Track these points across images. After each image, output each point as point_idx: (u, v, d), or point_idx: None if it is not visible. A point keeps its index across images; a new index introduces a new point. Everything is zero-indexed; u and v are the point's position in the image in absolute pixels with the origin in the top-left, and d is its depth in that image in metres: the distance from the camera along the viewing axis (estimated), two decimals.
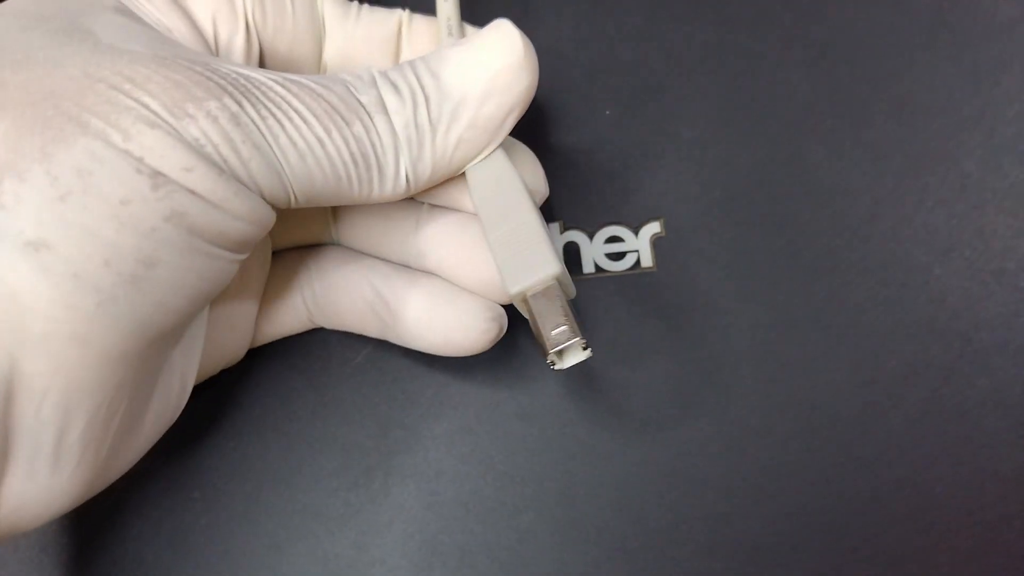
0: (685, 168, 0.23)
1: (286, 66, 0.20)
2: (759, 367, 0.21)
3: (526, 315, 0.17)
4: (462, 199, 0.19)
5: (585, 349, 0.16)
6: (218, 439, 0.21)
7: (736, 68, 0.23)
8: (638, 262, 0.22)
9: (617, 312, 0.22)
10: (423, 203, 0.20)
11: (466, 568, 0.20)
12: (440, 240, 0.19)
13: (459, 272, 0.19)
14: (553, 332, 0.16)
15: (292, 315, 0.21)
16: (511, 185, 0.18)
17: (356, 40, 0.20)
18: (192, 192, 0.14)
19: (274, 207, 0.16)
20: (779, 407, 0.21)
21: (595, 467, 0.21)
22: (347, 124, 0.16)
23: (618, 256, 0.22)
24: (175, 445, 0.21)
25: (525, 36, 0.17)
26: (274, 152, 0.15)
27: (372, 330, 0.21)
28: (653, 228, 0.23)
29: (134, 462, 0.17)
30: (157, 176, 0.14)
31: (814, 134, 0.23)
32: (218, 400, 0.21)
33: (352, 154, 0.16)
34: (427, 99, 0.17)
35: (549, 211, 0.21)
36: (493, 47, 0.17)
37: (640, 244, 0.22)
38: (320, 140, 0.16)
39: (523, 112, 0.18)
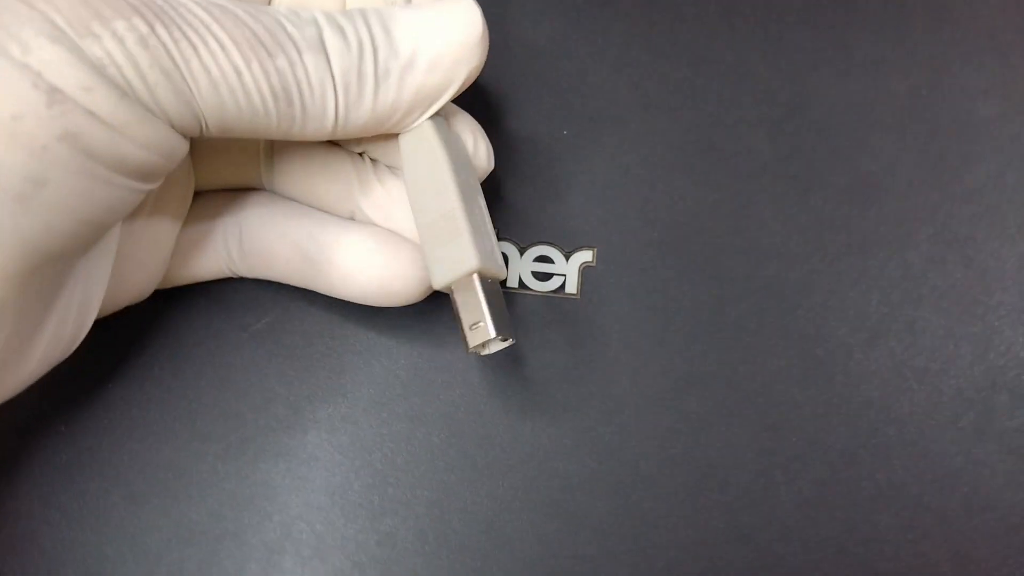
0: (629, 203, 0.22)
1: None
2: (661, 415, 0.21)
3: (453, 304, 0.17)
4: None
5: (504, 340, 0.17)
6: (99, 379, 0.21)
7: (701, 113, 0.23)
8: (563, 286, 0.22)
9: (530, 333, 0.21)
10: (367, 158, 0.19)
11: (316, 560, 0.19)
12: (390, 207, 0.19)
13: (405, 233, 0.19)
14: (470, 328, 0.17)
15: (210, 259, 0.21)
16: (439, 168, 0.17)
17: None
18: (91, 113, 0.14)
19: (185, 136, 0.16)
20: (673, 459, 0.21)
21: (473, 484, 0.20)
22: (270, 56, 0.15)
23: (544, 276, 0.22)
24: (52, 375, 0.20)
25: (483, 18, 0.17)
26: (184, 78, 0.15)
27: (298, 278, 0.20)
28: (584, 256, 0.22)
29: (21, 388, 0.17)
30: (54, 93, 0.14)
31: (764, 193, 0.22)
32: (109, 341, 0.21)
33: (272, 87, 0.15)
34: (375, 50, 0.16)
35: None
36: (453, 19, 0.17)
37: (569, 269, 0.22)
38: (237, 69, 0.15)
39: (466, 87, 0.17)
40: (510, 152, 0.23)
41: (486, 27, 0.17)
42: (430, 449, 0.20)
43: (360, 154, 0.19)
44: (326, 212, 0.20)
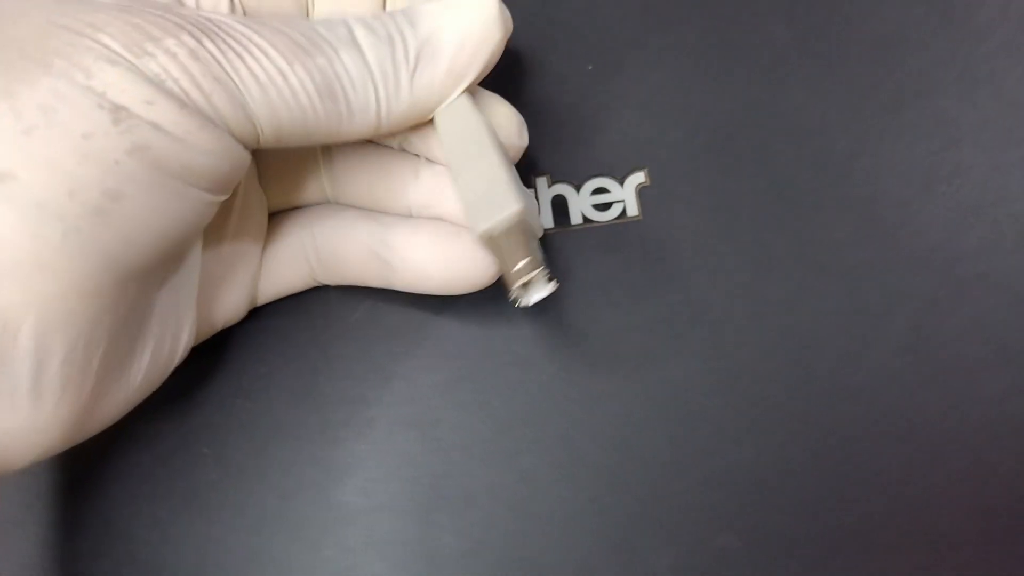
0: (667, 117, 0.23)
1: None
2: (747, 305, 0.22)
3: (495, 255, 0.18)
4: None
5: (549, 282, 0.17)
6: (225, 397, 0.22)
7: (713, 17, 0.24)
8: (624, 211, 0.23)
9: (607, 260, 0.22)
10: (411, 154, 0.20)
11: (470, 509, 0.21)
12: (442, 190, 0.20)
13: (462, 219, 0.20)
14: (516, 267, 0.17)
15: (295, 272, 0.22)
16: (476, 128, 0.18)
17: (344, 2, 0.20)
18: (155, 125, 0.15)
19: (244, 145, 0.17)
20: (768, 342, 0.22)
21: (592, 408, 0.21)
22: (309, 56, 0.16)
23: (604, 207, 0.23)
24: (184, 405, 0.22)
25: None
26: (236, 84, 0.16)
27: (374, 279, 0.21)
28: (638, 178, 0.23)
29: (125, 411, 0.18)
30: (119, 111, 0.14)
31: (792, 77, 0.23)
32: (224, 359, 0.22)
33: (316, 85, 0.16)
34: (404, 40, 0.18)
35: (536, 165, 0.22)
36: (471, 4, 0.18)
37: (626, 194, 0.23)
38: (282, 72, 0.16)
39: (493, 64, 0.19)
40: (543, 99, 0.24)
41: (503, 8, 0.18)
42: (543, 386, 0.22)
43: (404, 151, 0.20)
44: (386, 212, 0.21)
